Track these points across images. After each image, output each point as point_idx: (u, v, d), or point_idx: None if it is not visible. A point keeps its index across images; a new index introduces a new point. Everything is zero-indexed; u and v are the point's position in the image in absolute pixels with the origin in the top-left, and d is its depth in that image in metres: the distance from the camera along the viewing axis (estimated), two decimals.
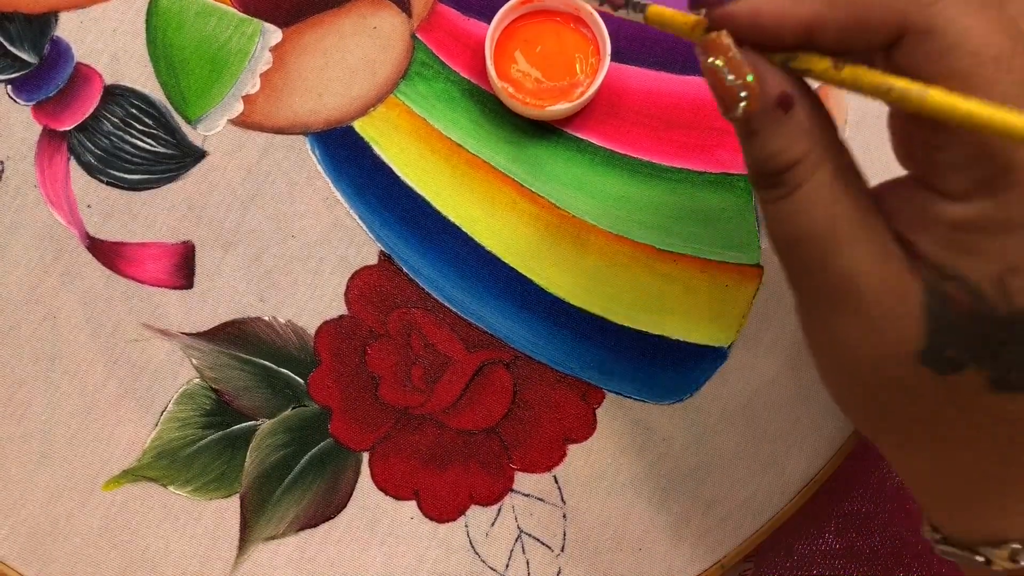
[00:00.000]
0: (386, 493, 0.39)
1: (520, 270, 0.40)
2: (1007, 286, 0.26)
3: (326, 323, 0.39)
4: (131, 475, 0.38)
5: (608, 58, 0.38)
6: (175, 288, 0.39)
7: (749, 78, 0.27)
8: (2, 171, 0.39)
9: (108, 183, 0.39)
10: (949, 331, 0.27)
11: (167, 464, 0.38)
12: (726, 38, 0.27)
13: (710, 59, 0.28)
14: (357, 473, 0.39)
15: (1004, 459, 0.29)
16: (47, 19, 0.40)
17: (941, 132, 0.26)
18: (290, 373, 0.39)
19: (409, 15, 0.41)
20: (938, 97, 0.25)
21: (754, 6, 0.27)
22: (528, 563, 0.39)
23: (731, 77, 0.27)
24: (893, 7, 0.26)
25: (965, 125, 0.25)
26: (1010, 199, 0.26)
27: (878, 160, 0.41)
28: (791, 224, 0.28)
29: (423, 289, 0.39)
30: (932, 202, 0.27)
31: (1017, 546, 0.31)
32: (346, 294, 0.39)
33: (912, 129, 0.27)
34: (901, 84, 0.26)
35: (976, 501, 0.31)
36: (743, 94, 0.27)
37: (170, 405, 0.39)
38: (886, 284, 0.27)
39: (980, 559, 0.31)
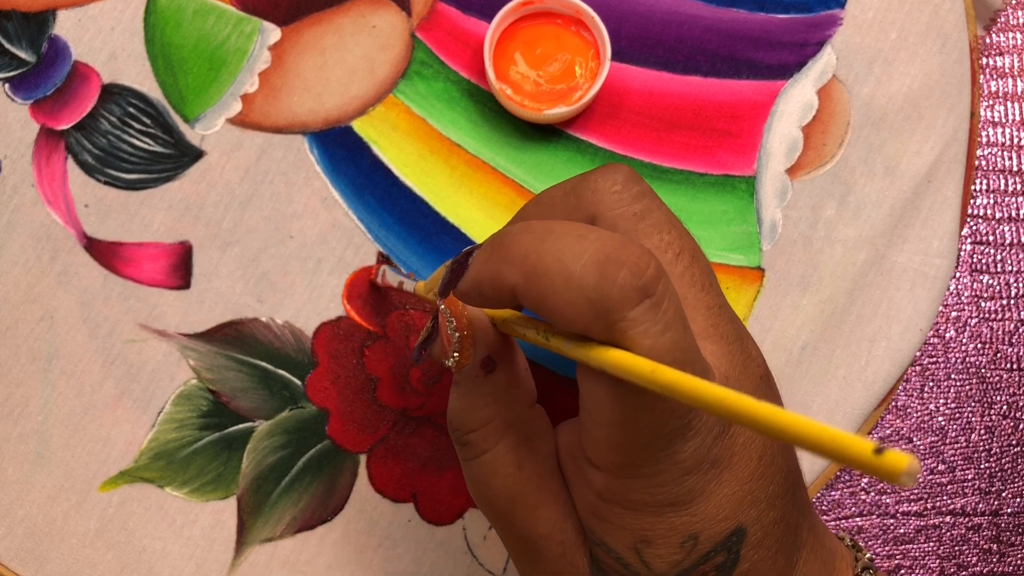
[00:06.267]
0: (384, 495, 0.38)
1: None
2: (643, 555, 0.28)
3: (324, 324, 0.39)
4: (128, 476, 0.38)
5: (608, 62, 0.38)
6: (172, 288, 0.39)
7: (464, 332, 0.30)
8: None
9: (106, 183, 0.39)
10: None
11: (164, 465, 0.38)
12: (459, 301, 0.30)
13: (442, 307, 0.30)
14: (355, 475, 0.38)
15: None
16: (45, 17, 0.40)
17: (588, 404, 0.28)
18: (287, 374, 0.39)
19: (409, 14, 0.41)
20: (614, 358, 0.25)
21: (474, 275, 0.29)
22: None
23: (453, 326, 0.30)
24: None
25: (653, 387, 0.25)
26: (639, 485, 0.28)
27: (879, 160, 0.41)
28: (480, 486, 0.31)
29: None
30: (584, 464, 0.29)
31: None
32: (344, 295, 0.39)
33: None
34: (583, 352, 0.26)
35: None
36: (457, 344, 0.30)
37: (167, 406, 0.38)
38: (562, 547, 0.30)
39: None
